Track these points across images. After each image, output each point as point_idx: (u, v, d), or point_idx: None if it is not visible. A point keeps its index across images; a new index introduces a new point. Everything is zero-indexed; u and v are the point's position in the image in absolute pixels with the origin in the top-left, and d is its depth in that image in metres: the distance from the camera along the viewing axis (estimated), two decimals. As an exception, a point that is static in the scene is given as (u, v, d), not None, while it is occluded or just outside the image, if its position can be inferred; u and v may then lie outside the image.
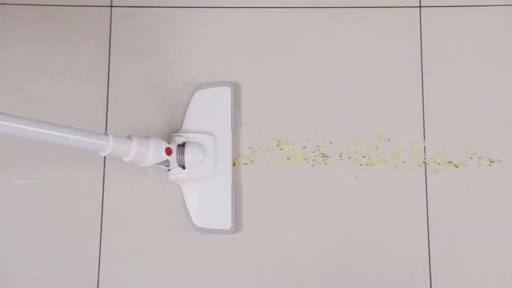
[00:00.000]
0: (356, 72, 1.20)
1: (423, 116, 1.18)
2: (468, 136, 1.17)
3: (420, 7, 1.22)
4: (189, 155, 1.09)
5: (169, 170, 1.11)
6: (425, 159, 1.17)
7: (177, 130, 1.17)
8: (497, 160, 1.16)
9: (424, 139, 1.17)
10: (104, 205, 1.16)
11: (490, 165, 1.16)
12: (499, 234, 1.14)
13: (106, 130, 1.18)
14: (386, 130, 1.18)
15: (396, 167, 1.17)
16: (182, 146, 1.10)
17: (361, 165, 1.17)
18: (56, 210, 1.16)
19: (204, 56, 1.21)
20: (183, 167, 1.09)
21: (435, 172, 1.16)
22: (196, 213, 1.13)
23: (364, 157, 1.17)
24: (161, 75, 1.21)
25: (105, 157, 1.17)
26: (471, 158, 1.16)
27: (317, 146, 1.18)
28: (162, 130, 1.18)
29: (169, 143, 1.06)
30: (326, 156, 1.17)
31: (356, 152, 1.17)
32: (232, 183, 1.13)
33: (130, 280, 1.14)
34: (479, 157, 1.16)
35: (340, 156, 1.17)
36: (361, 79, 1.20)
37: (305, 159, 1.17)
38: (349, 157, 1.17)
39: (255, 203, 1.16)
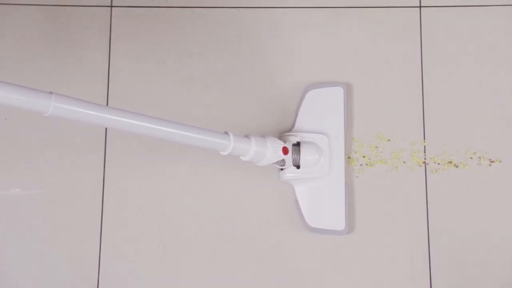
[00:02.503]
0: (356, 72, 1.20)
1: (423, 116, 1.18)
2: (468, 136, 1.17)
3: (420, 7, 1.22)
4: (305, 154, 1.09)
5: (281, 169, 1.11)
6: (425, 159, 1.17)
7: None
8: (497, 160, 1.16)
9: (424, 139, 1.17)
10: (104, 205, 1.16)
11: (490, 165, 1.16)
12: (499, 234, 1.14)
13: (106, 130, 1.18)
14: (386, 130, 1.18)
15: (396, 167, 1.16)
16: (296, 145, 1.10)
17: (361, 165, 1.17)
18: (56, 210, 1.16)
19: (204, 55, 1.21)
20: (297, 167, 1.09)
21: (435, 172, 1.16)
22: (309, 213, 1.13)
23: (364, 157, 1.17)
24: (160, 74, 1.21)
25: (104, 157, 1.17)
26: (471, 158, 1.16)
27: (317, 146, 1.18)
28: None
29: (284, 142, 1.07)
30: (326, 156, 1.17)
31: (356, 152, 1.17)
32: (346, 183, 1.13)
33: (130, 280, 1.14)
34: (479, 157, 1.16)
35: (340, 156, 1.17)
36: (361, 79, 1.20)
37: (305, 159, 1.17)
38: (349, 157, 1.17)
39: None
